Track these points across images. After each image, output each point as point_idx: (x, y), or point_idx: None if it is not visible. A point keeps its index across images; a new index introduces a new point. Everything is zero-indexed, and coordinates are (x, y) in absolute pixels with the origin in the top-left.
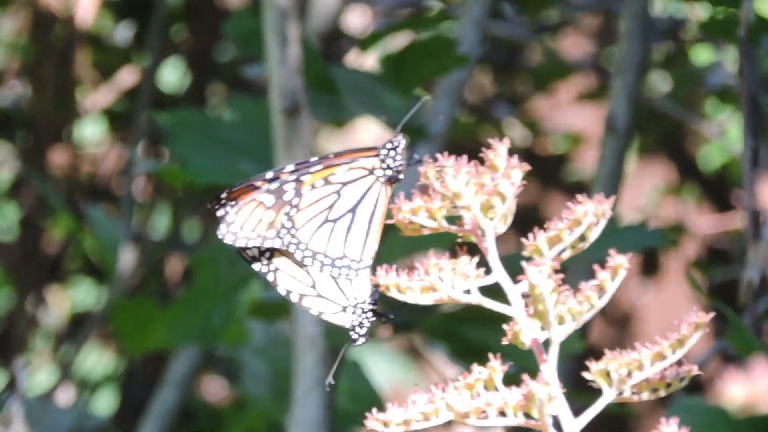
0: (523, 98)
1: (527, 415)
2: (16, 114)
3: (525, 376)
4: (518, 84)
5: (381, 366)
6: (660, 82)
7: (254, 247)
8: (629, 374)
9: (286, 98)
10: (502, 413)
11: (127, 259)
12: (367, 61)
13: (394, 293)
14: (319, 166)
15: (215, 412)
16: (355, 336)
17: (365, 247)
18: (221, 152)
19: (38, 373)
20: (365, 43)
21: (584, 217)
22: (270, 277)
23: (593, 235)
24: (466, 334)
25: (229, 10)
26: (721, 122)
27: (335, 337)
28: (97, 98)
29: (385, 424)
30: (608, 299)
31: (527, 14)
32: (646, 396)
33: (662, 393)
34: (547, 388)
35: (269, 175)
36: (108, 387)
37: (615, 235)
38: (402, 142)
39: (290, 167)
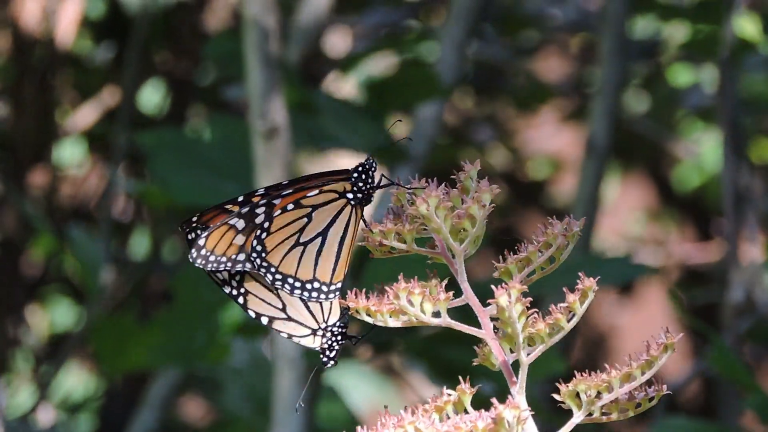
0: (504, 120)
1: None
2: None
3: (494, 400)
4: (499, 106)
5: (360, 387)
6: (637, 103)
7: (225, 270)
8: (598, 395)
9: (265, 120)
10: None
11: (107, 279)
12: (348, 83)
13: (363, 316)
14: (290, 190)
15: (196, 431)
16: (324, 359)
17: (335, 269)
18: (201, 172)
19: (18, 394)
20: (346, 65)
21: (554, 239)
22: (240, 300)
23: (563, 257)
24: (446, 355)
25: (209, 33)
26: (698, 142)
27: (315, 358)
28: (77, 119)
29: None
30: (576, 322)
31: (507, 35)
32: (615, 417)
33: (631, 413)
34: (516, 411)
35: (240, 198)
36: (88, 408)
37: (599, 268)
38: (373, 164)
39: (261, 191)
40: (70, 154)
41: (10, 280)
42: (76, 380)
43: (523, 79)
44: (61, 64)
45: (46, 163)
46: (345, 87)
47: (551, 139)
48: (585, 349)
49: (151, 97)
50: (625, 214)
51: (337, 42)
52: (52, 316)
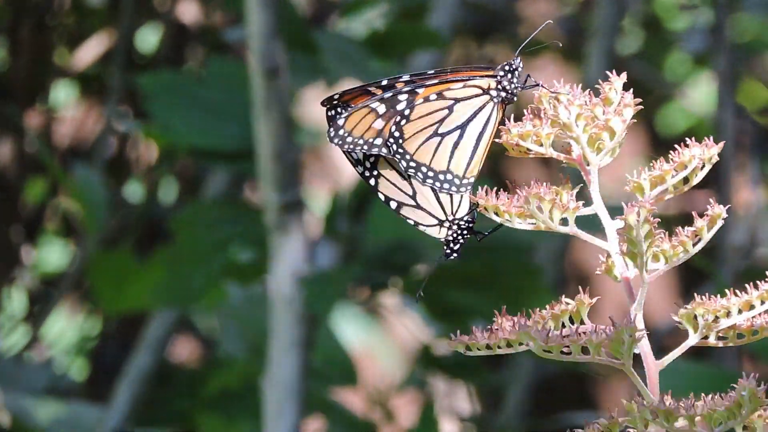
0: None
1: (609, 354)
2: None
3: (612, 317)
4: (500, 50)
5: (354, 328)
6: (632, 45)
7: (361, 152)
8: (716, 320)
9: (265, 60)
10: (585, 350)
11: (106, 218)
12: (349, 25)
13: (491, 215)
14: (435, 80)
15: (191, 373)
16: (448, 251)
17: (470, 164)
18: (200, 113)
19: (12, 334)
20: (347, 10)
21: (690, 162)
22: (371, 182)
23: (697, 179)
24: (445, 296)
25: None
26: (690, 85)
27: (314, 299)
28: (74, 61)
29: (468, 347)
30: (702, 246)
31: None
32: (731, 342)
33: (747, 340)
34: (634, 330)
35: (384, 82)
36: (82, 349)
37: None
38: (520, 65)
39: (406, 77)
40: (67, 95)
41: (7, 221)
42: (70, 321)
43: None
44: (58, 5)
45: (43, 104)
46: (346, 30)
47: (551, 82)
48: (573, 293)
49: (150, 39)
50: (624, 159)
51: None
52: (47, 257)
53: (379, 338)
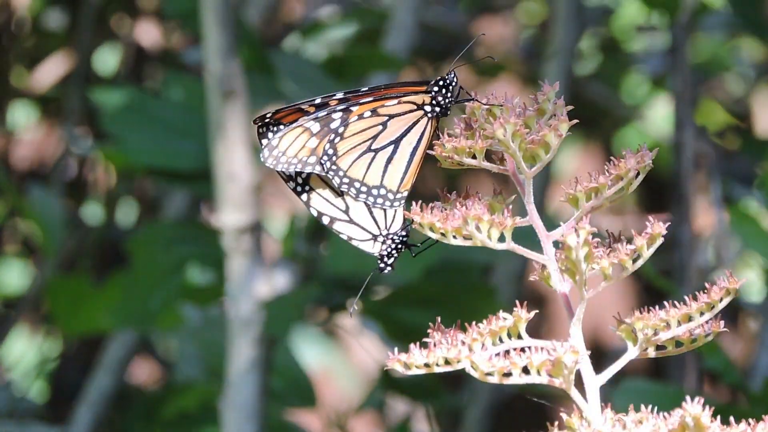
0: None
1: (550, 375)
2: None
3: (553, 342)
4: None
5: (312, 350)
6: (589, 68)
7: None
8: (655, 333)
9: (222, 80)
10: (526, 371)
11: (64, 240)
12: (307, 47)
13: (427, 231)
14: (370, 98)
15: (150, 396)
16: (381, 265)
17: (404, 179)
18: (157, 132)
19: None
20: (306, 32)
21: (626, 174)
22: (303, 198)
23: (632, 188)
24: (401, 316)
25: None
26: (648, 107)
27: (273, 321)
28: (32, 82)
29: (406, 366)
30: (641, 264)
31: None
32: (670, 352)
33: (686, 349)
34: (575, 355)
35: (318, 100)
36: (42, 371)
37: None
38: (454, 79)
39: (339, 95)
40: (26, 117)
41: None
42: (29, 344)
43: (481, 48)
44: (16, 26)
45: (1, 125)
46: (304, 51)
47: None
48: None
49: (109, 60)
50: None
51: (297, 6)
52: (7, 279)
53: (338, 360)
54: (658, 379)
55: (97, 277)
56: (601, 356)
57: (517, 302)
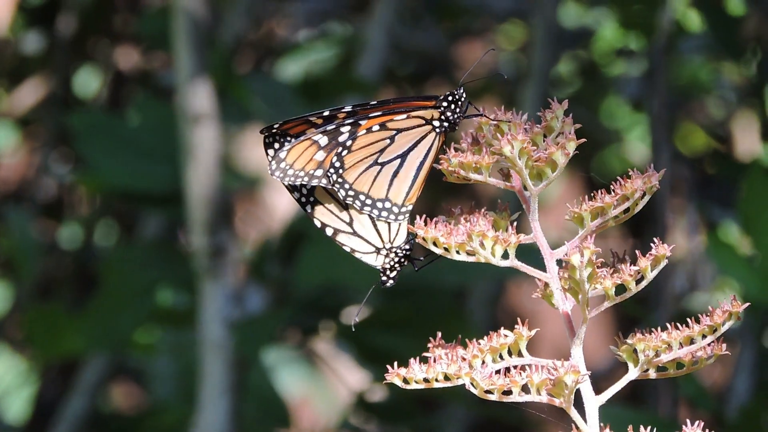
0: None
1: (550, 394)
2: None
3: (554, 361)
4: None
5: (287, 373)
6: (565, 90)
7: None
8: (656, 354)
9: (192, 103)
10: (526, 390)
11: (40, 263)
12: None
13: (430, 246)
14: (378, 112)
15: (125, 418)
16: (384, 278)
17: (409, 193)
18: (131, 156)
19: None
20: (280, 54)
21: (633, 194)
22: (307, 209)
23: (638, 208)
24: (376, 340)
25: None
26: (625, 131)
27: (244, 344)
28: (11, 104)
29: (405, 381)
30: (644, 285)
31: (444, 22)
32: (671, 373)
33: (686, 370)
34: (575, 375)
35: (326, 112)
36: (19, 393)
37: (532, 258)
38: (463, 95)
39: (348, 108)
40: (4, 139)
41: None
42: (9, 365)
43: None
44: None
45: None
46: (282, 72)
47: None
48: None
49: (88, 84)
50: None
51: (274, 30)
52: None
53: (314, 383)
54: (634, 404)
55: (74, 300)
56: None
57: (493, 326)
